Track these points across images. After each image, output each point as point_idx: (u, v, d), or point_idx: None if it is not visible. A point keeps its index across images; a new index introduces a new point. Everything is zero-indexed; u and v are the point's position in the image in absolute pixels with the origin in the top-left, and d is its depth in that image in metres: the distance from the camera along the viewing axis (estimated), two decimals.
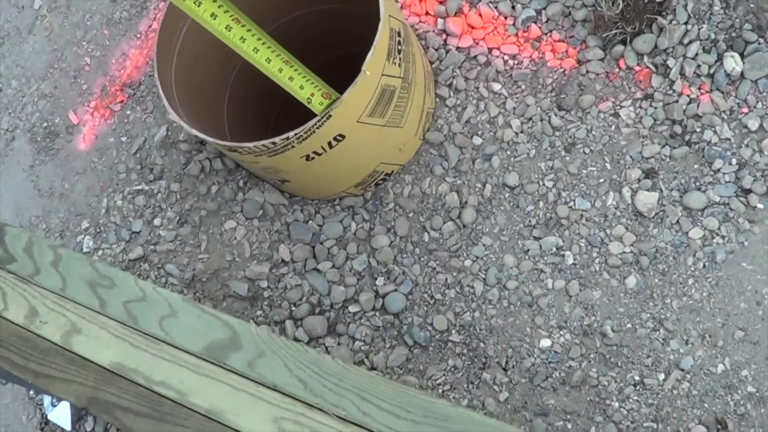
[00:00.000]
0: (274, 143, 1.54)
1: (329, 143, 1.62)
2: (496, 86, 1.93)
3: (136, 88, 2.16)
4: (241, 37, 1.39)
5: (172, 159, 2.03)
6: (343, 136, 1.62)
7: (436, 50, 1.99)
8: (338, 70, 1.71)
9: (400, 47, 1.64)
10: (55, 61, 2.35)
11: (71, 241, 2.08)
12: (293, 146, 1.57)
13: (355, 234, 1.90)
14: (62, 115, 2.27)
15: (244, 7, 1.80)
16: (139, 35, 2.22)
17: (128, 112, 2.17)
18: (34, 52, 2.41)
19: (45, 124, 2.28)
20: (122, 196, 2.06)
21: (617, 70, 1.85)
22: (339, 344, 1.81)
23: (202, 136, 1.59)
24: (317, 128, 1.54)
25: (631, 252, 1.74)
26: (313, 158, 1.65)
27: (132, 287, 1.20)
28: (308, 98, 1.54)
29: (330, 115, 1.51)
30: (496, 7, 1.98)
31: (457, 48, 1.98)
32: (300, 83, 1.51)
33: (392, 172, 1.93)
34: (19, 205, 2.23)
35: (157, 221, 1.98)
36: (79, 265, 1.24)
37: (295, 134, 1.52)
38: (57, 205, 2.17)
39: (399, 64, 1.64)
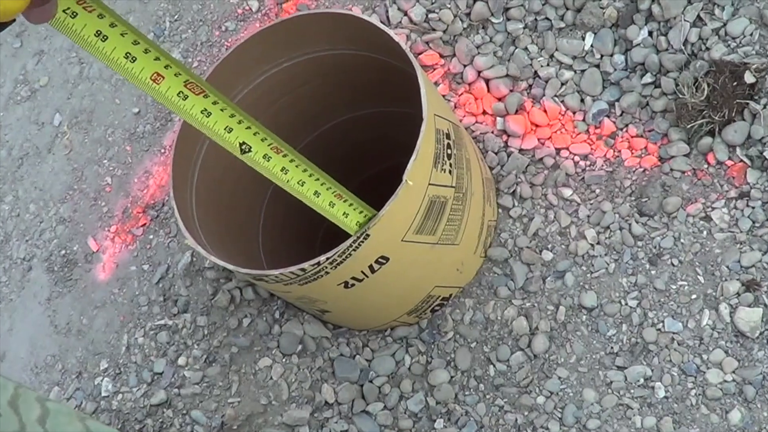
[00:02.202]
0: (303, 270, 1.54)
1: (371, 267, 1.62)
2: (567, 192, 1.94)
3: (159, 209, 2.22)
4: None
5: (198, 289, 2.07)
6: (387, 258, 1.62)
7: (496, 154, 2.02)
8: (386, 183, 1.70)
9: (450, 151, 1.65)
10: (74, 182, 2.44)
11: (89, 384, 2.12)
12: (327, 272, 1.57)
13: (409, 369, 1.90)
14: (81, 241, 2.34)
15: (274, 117, 1.85)
16: (163, 150, 2.29)
17: (151, 237, 2.23)
18: (53, 172, 2.50)
19: (63, 252, 2.34)
20: (144, 332, 2.09)
21: (706, 166, 1.84)
22: None
23: (221, 263, 1.61)
24: (354, 250, 1.54)
25: (734, 381, 1.69)
26: (353, 285, 1.65)
27: None
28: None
29: (368, 235, 1.52)
30: (562, 101, 2.01)
31: (520, 150, 2.01)
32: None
33: (450, 296, 1.92)
34: (35, 342, 2.29)
35: (181, 360, 2.00)
36: (67, 422, 1.24)
37: (328, 258, 1.52)
38: (74, 342, 2.22)
39: (450, 171, 1.65)
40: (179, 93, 1.14)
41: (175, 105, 1.15)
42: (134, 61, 1.06)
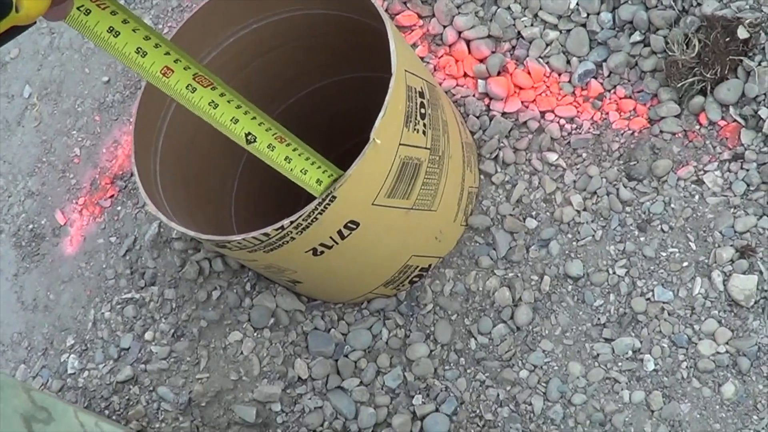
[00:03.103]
0: (267, 235, 1.46)
1: (340, 233, 1.54)
2: (552, 156, 1.87)
3: (128, 179, 2.17)
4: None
5: (166, 261, 2.00)
6: (357, 224, 1.54)
7: (477, 118, 1.95)
8: None
9: (423, 110, 1.57)
10: (43, 154, 2.38)
11: (55, 361, 2.05)
12: (293, 238, 1.49)
13: (387, 343, 1.84)
14: (49, 215, 2.28)
15: (245, 82, 1.78)
16: (132, 119, 2.20)
17: (118, 208, 2.16)
18: (23, 145, 2.44)
19: (31, 227, 2.29)
20: (110, 307, 2.03)
21: (698, 127, 1.79)
22: None
23: (181, 228, 1.53)
24: (320, 214, 1.46)
25: (727, 352, 1.64)
26: (322, 252, 1.58)
27: (71, 422, 1.13)
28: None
29: (334, 197, 1.43)
30: (547, 63, 1.94)
31: (503, 113, 1.94)
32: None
33: (429, 266, 1.86)
34: (2, 320, 2.22)
35: (148, 335, 1.93)
36: (13, 394, 1.17)
37: (292, 222, 1.44)
38: (41, 319, 2.15)
39: (424, 132, 1.58)
40: (188, 86, 1.18)
41: (184, 97, 1.20)
42: (145, 55, 1.11)
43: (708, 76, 1.74)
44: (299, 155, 1.37)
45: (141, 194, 1.60)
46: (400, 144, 1.51)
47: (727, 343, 1.65)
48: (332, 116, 2.12)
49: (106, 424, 1.13)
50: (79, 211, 2.22)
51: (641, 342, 1.69)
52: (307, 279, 1.74)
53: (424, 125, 1.57)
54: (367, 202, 1.52)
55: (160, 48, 1.11)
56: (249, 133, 1.28)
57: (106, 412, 1.89)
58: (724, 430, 1.60)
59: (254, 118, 1.27)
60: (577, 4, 1.92)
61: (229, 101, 1.23)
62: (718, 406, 1.62)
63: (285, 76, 1.98)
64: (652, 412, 1.65)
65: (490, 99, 1.95)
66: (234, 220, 2.03)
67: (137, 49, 1.08)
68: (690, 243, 1.73)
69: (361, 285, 1.82)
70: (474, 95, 1.96)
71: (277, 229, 1.44)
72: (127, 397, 1.89)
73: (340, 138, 2.11)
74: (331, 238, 1.54)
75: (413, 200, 1.62)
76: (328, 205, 1.44)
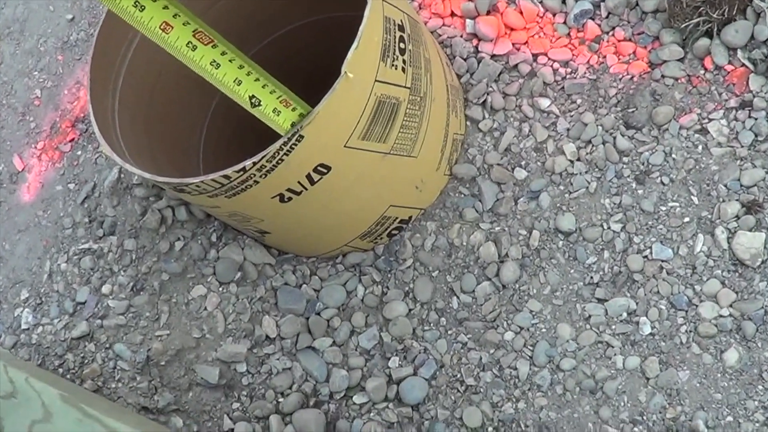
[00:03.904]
0: (228, 177, 1.36)
1: (309, 177, 1.44)
2: (544, 102, 1.82)
3: (89, 122, 2.06)
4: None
5: (126, 209, 1.92)
6: (328, 168, 1.45)
7: (465, 60, 1.88)
8: None
9: (403, 45, 1.47)
10: (3, 96, 2.28)
11: (8, 316, 1.96)
12: (257, 182, 1.39)
13: (362, 301, 1.78)
14: (6, 160, 2.18)
15: (215, 21, 1.70)
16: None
17: (78, 153, 2.07)
18: None
19: None
20: (67, 258, 1.94)
21: (702, 71, 1.75)
22: None
23: (137, 170, 1.44)
24: (286, 155, 1.35)
25: (731, 316, 1.61)
26: (290, 199, 1.48)
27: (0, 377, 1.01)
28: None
29: (301, 135, 1.33)
30: (540, 2, 1.88)
31: (492, 56, 1.87)
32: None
33: (409, 218, 1.79)
34: None
35: (106, 288, 1.86)
36: None
37: (255, 164, 1.34)
38: None
39: (403, 69, 1.48)
40: (188, 43, 1.21)
41: (185, 56, 1.22)
42: (143, 10, 1.15)
43: (715, 16, 1.69)
44: (293, 110, 1.35)
45: (95, 133, 1.52)
46: (375, 80, 1.42)
47: (730, 306, 1.62)
48: (315, 58, 2.02)
49: (36, 381, 1.04)
50: (38, 156, 2.14)
51: (637, 303, 1.66)
52: (276, 229, 1.66)
53: (404, 62, 1.48)
54: (338, 143, 1.44)
55: (157, 1, 1.14)
56: (253, 96, 1.30)
57: (60, 370, 1.82)
58: (726, 400, 1.57)
59: (257, 79, 1.30)
60: None
61: (231, 60, 1.27)
62: (719, 375, 1.59)
63: (260, 16, 1.90)
64: (648, 379, 1.62)
65: (479, 40, 1.88)
66: (202, 168, 1.95)
67: (135, 2, 1.12)
68: (692, 197, 1.69)
69: (335, 237, 1.75)
70: (461, 36, 1.90)
71: (238, 171, 1.35)
72: (82, 355, 1.83)
73: (324, 84, 2.04)
74: (299, 183, 1.46)
75: (391, 144, 1.54)
76: (295, 145, 1.35)
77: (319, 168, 1.43)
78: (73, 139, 2.10)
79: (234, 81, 1.27)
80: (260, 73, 1.34)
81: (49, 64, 2.25)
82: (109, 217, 1.93)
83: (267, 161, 1.34)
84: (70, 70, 2.20)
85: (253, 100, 1.29)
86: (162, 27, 1.17)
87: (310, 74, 1.99)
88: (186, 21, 1.21)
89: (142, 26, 1.18)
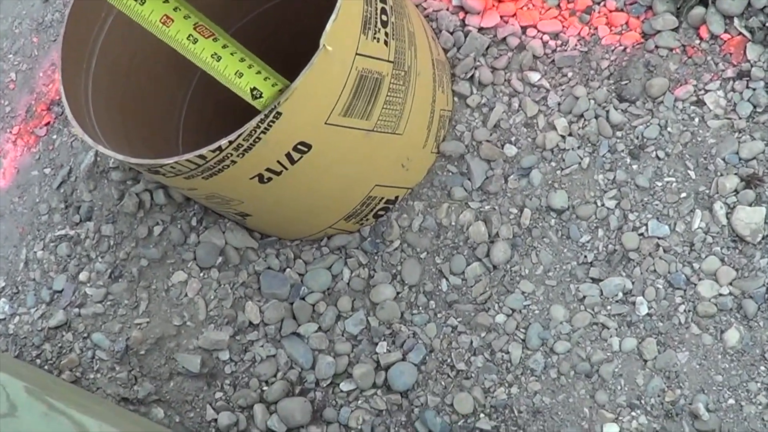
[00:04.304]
0: (203, 157, 1.33)
1: (289, 156, 1.41)
2: (534, 76, 1.79)
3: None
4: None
5: (103, 193, 1.88)
6: (309, 146, 1.41)
7: (451, 33, 1.84)
8: None
9: (385, 18, 1.44)
10: None
11: None
12: (234, 162, 1.36)
13: (348, 284, 1.76)
14: None
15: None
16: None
17: (54, 137, 2.04)
18: None
19: None
20: (43, 245, 1.91)
21: (698, 41, 1.72)
22: None
23: (109, 152, 1.41)
24: (263, 133, 1.32)
25: (731, 294, 1.59)
26: (270, 179, 1.45)
27: None
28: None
29: (279, 112, 1.29)
30: None
31: (480, 29, 1.83)
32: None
33: (396, 198, 1.76)
34: None
35: (83, 276, 1.82)
36: None
37: (231, 143, 1.30)
38: None
39: (386, 42, 1.44)
40: (189, 36, 1.24)
41: (186, 48, 1.25)
42: (143, 3, 1.18)
43: None
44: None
45: (66, 114, 1.49)
46: (356, 54, 1.39)
47: (730, 284, 1.60)
48: (297, 37, 1.95)
49: (1, 373, 0.99)
50: (13, 141, 2.10)
51: (633, 283, 1.64)
52: (257, 211, 1.63)
53: (386, 34, 1.45)
54: (319, 120, 1.40)
55: None
56: (254, 88, 1.31)
57: (38, 361, 1.79)
58: (726, 382, 1.55)
59: (259, 72, 1.31)
60: None
61: (232, 53, 1.29)
62: (720, 356, 1.58)
63: None
64: (645, 361, 1.60)
65: (465, 13, 1.86)
66: (182, 151, 1.90)
67: None
68: (689, 171, 1.67)
69: (319, 219, 1.72)
70: (447, 9, 1.87)
71: (214, 151, 1.32)
72: (59, 345, 1.79)
73: (306, 62, 2.00)
74: (279, 162, 1.42)
75: (374, 121, 1.51)
76: (273, 122, 1.31)
77: (299, 146, 1.40)
78: (48, 123, 2.07)
79: (235, 73, 1.30)
80: (262, 66, 1.35)
81: (24, 46, 2.21)
82: (86, 203, 1.90)
83: (244, 140, 1.31)
84: (45, 52, 2.17)
85: (254, 92, 1.30)
86: (162, 20, 1.20)
87: (292, 53, 1.97)
88: (186, 14, 1.25)
89: (143, 20, 1.22)
